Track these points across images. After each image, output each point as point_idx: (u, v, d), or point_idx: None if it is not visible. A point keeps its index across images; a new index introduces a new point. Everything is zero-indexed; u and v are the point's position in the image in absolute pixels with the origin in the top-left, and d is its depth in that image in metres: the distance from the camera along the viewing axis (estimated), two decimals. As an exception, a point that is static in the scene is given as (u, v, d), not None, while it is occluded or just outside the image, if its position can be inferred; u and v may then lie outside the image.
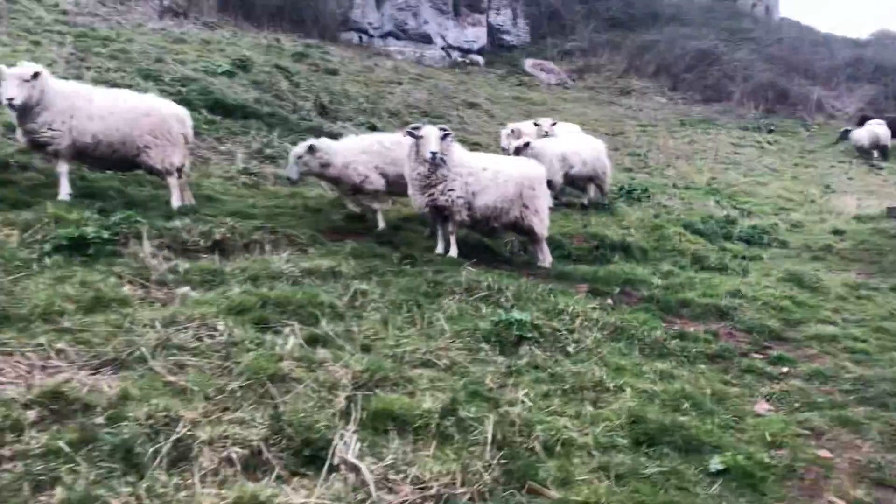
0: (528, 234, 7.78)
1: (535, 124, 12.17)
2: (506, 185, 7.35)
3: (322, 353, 4.31)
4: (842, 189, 17.17)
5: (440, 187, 7.15)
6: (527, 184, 7.48)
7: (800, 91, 30.17)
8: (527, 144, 10.26)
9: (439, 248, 7.47)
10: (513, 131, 12.54)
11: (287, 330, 4.56)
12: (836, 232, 11.83)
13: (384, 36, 30.87)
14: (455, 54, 32.17)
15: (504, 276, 6.70)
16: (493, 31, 33.77)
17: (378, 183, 8.08)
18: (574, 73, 32.08)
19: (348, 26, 29.98)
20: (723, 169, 18.58)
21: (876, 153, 21.81)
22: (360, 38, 30.29)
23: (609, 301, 6.76)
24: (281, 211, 8.29)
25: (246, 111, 13.03)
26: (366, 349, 4.59)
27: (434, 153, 6.98)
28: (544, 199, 7.66)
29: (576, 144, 11.95)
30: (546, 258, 7.81)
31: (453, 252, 7.32)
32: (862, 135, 22.15)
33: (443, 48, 31.96)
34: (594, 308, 6.12)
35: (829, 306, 7.38)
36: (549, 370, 4.76)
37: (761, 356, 6.00)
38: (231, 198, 8.59)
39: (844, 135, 23.02)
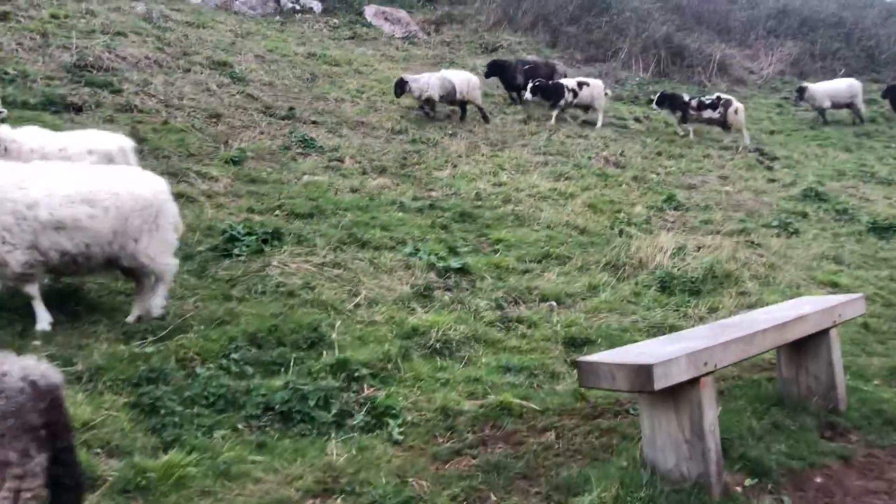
0: None
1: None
2: None
3: None
4: (692, 201, 11.34)
5: None
6: None
7: (701, 49, 24.21)
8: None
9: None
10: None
11: None
12: (571, 342, 5.93)
13: (184, -25, 24.05)
14: (285, 0, 25.50)
15: None
16: (339, -30, 27.04)
17: None
18: (431, 25, 25.67)
19: (131, -39, 23.11)
20: (534, 166, 12.57)
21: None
22: (151, -24, 23.46)
23: None
24: None
25: None
26: None
27: None
28: None
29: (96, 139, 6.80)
30: None
31: None
32: (431, 83, 14.97)
33: (267, -9, 25.24)
34: None
35: None
36: None
37: None
38: None
39: (401, 86, 15.06)
